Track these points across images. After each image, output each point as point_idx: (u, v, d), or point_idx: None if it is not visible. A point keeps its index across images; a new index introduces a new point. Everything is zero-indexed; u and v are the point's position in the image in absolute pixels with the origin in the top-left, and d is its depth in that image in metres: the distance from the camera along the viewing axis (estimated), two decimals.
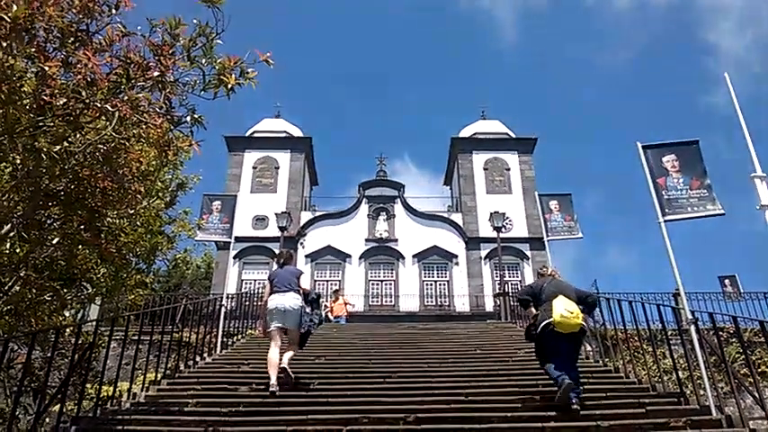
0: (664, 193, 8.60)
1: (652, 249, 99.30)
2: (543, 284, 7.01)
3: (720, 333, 7.63)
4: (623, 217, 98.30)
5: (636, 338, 9.22)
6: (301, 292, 7.70)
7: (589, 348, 10.45)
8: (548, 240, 13.18)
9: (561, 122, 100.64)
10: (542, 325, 6.57)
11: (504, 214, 25.56)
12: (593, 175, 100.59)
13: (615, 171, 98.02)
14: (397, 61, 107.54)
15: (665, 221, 8.35)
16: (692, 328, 7.37)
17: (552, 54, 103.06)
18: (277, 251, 26.08)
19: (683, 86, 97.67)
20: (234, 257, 29.19)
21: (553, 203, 13.34)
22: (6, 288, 6.19)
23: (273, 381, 7.03)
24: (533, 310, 6.92)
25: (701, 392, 6.87)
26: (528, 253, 30.94)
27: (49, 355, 7.37)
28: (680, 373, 7.47)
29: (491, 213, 25.18)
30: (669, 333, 8.49)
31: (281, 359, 7.24)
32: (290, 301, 7.50)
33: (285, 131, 36.07)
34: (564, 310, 6.42)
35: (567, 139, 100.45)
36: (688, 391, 7.16)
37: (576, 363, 6.72)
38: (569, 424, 6.07)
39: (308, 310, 7.67)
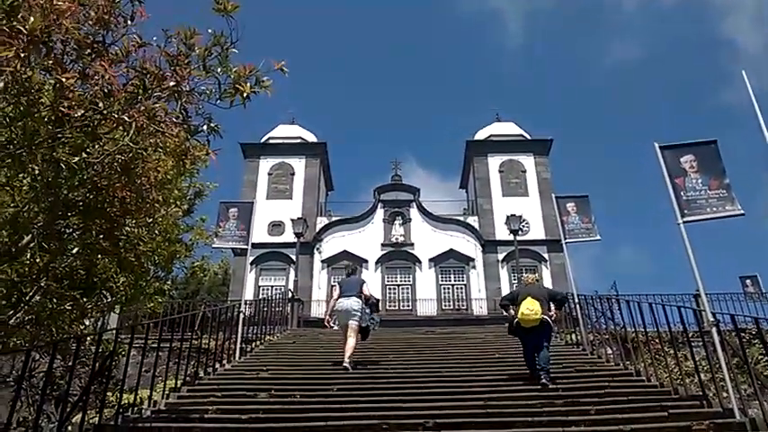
0: (682, 193, 8.50)
1: (671, 250, 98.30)
2: (520, 291, 8.74)
3: (742, 334, 7.50)
4: (641, 217, 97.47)
5: (657, 341, 9.11)
6: (363, 297, 9.61)
7: (609, 351, 10.35)
8: (565, 243, 13.07)
9: (576, 122, 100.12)
10: (514, 321, 8.32)
11: (520, 217, 25.43)
12: (609, 175, 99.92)
13: (632, 171, 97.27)
14: (406, 64, 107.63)
15: (685, 223, 8.25)
16: (714, 329, 7.27)
17: (563, 52, 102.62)
18: (294, 257, 26.30)
19: (700, 83, 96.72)
20: (251, 264, 29.28)
21: (570, 205, 13.22)
22: (27, 298, 6.24)
23: (346, 361, 9.04)
24: (512, 311, 8.47)
25: (724, 395, 6.76)
26: (546, 255, 30.77)
27: (70, 363, 7.43)
28: (702, 375, 7.37)
29: (507, 216, 25.07)
30: (690, 335, 8.38)
31: (344, 349, 9.22)
32: (353, 303, 9.47)
33: (300, 137, 36.20)
34: (526, 308, 8.08)
35: (584, 140, 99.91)
36: (711, 394, 7.07)
37: (544, 347, 8.03)
38: (591, 429, 6.02)
39: (368, 311, 9.57)
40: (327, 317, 9.97)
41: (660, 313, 8.42)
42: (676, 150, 8.82)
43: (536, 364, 7.99)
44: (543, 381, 7.66)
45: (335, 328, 9.91)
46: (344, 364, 9.00)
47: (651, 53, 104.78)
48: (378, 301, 10.24)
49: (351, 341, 9.26)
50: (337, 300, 9.69)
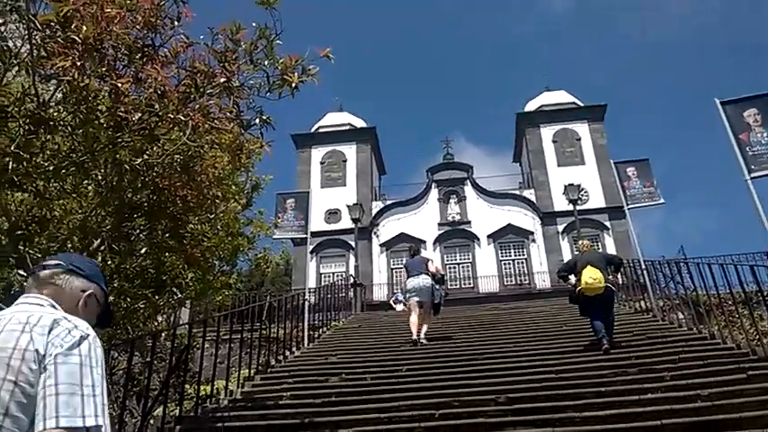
0: (747, 149, 8.19)
1: (741, 209, 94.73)
2: (578, 259, 8.68)
3: None
4: (707, 178, 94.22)
5: (730, 302, 8.82)
6: (430, 273, 10.03)
7: (681, 316, 10.09)
8: (628, 209, 12.73)
9: (631, 85, 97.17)
10: (577, 291, 8.25)
11: (578, 186, 24.85)
12: (668, 137, 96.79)
13: (695, 130, 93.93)
14: (449, 39, 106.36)
15: (752, 179, 7.94)
16: None
17: (616, 12, 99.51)
18: (352, 243, 26.52)
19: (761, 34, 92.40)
20: (311, 252, 29.66)
21: (630, 170, 12.84)
22: None
23: (415, 336, 9.50)
24: (572, 280, 8.46)
25: None
26: (607, 224, 30.10)
27: (148, 359, 7.71)
28: None
29: (565, 186, 24.57)
30: (766, 294, 8.07)
31: (419, 327, 9.63)
32: (422, 281, 9.92)
33: (349, 124, 36.31)
34: (588, 278, 8.04)
35: (638, 104, 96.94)
36: None
37: (609, 314, 8.18)
38: (667, 395, 5.89)
39: (437, 287, 9.96)
40: (393, 299, 10.57)
41: (732, 273, 8.15)
42: (738, 105, 8.50)
43: (602, 333, 7.93)
44: (606, 346, 7.73)
45: (399, 309, 10.89)
46: (421, 340, 9.47)
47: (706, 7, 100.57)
48: (443, 275, 10.75)
49: (423, 318, 9.76)
50: (407, 280, 10.23)
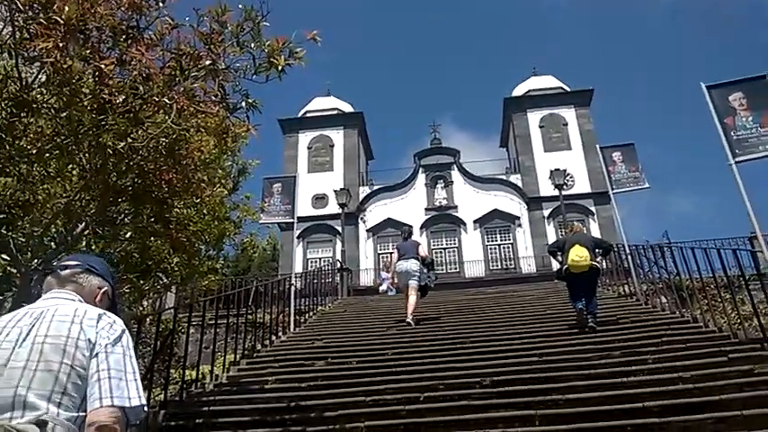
0: (732, 133, 8.25)
1: (727, 193, 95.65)
2: (567, 238, 9.08)
3: None
4: (693, 162, 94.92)
5: (712, 287, 8.92)
6: (419, 257, 10.37)
7: (664, 300, 10.20)
8: (613, 193, 12.82)
9: (616, 70, 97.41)
10: (564, 269, 8.54)
11: (564, 171, 24.96)
12: (655, 122, 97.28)
13: (678, 116, 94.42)
14: (436, 23, 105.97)
15: (737, 163, 8.01)
16: None
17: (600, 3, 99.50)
18: (339, 228, 26.50)
19: (747, 18, 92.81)
20: (297, 237, 29.62)
21: (616, 155, 12.92)
22: None
23: (409, 317, 9.79)
24: (560, 258, 8.81)
25: None
26: (592, 209, 30.30)
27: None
28: (761, 318, 7.19)
29: (551, 171, 24.67)
30: (747, 278, 8.17)
31: (406, 307, 10.00)
32: (412, 264, 10.23)
33: (337, 108, 36.15)
34: (575, 255, 8.35)
35: (625, 89, 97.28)
36: None
37: (593, 294, 8.50)
38: (649, 378, 5.97)
39: (425, 270, 10.29)
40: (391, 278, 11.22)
41: (715, 258, 8.23)
42: (724, 89, 8.54)
43: (583, 310, 8.33)
44: (591, 324, 8.10)
45: (383, 289, 11.74)
46: (408, 321, 9.75)
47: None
48: (433, 260, 11.21)
49: (412, 299, 10.02)
50: (397, 263, 10.58)
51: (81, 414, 1.71)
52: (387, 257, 14.81)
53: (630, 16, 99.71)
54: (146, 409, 1.85)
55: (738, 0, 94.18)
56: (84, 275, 2.10)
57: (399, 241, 11.55)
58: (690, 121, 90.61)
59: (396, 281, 10.82)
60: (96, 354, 1.78)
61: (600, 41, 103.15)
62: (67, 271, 2.08)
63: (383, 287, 19.65)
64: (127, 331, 1.91)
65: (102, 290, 2.12)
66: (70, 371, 1.73)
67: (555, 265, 9.30)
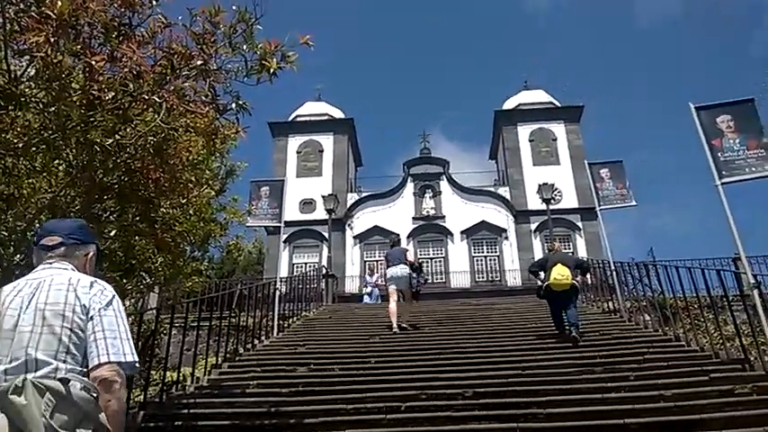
0: (719, 154, 8.30)
1: (712, 213, 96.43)
2: (549, 257, 9.44)
3: None
4: (680, 181, 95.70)
5: (696, 306, 8.97)
6: (408, 263, 10.59)
7: (647, 318, 10.24)
8: (600, 210, 12.87)
9: (607, 86, 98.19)
10: (545, 286, 8.90)
11: (552, 185, 25.06)
12: (644, 137, 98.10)
13: (668, 132, 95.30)
14: (429, 34, 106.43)
15: (723, 184, 8.06)
16: (755, 292, 7.14)
17: (591, 11, 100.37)
18: (326, 233, 26.43)
19: (737, 39, 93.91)
20: (284, 242, 29.50)
21: (604, 171, 12.98)
22: None
23: (394, 325, 10.00)
24: (542, 276, 9.13)
25: (766, 358, 6.66)
26: (579, 224, 30.45)
27: None
28: (743, 339, 7.24)
29: (539, 185, 24.74)
30: (731, 299, 8.22)
31: (399, 313, 10.19)
32: (400, 270, 10.46)
33: (327, 114, 36.14)
34: (557, 274, 8.71)
35: (616, 103, 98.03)
36: (752, 358, 6.95)
37: (573, 309, 8.78)
38: (631, 394, 5.98)
39: (414, 275, 10.50)
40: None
41: (699, 277, 8.28)
42: (712, 111, 8.61)
43: (565, 322, 8.80)
44: (573, 335, 8.36)
45: (369, 297, 12.23)
46: (402, 325, 10.15)
47: (685, 10, 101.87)
48: (421, 264, 11.90)
49: (404, 306, 10.48)
50: (387, 269, 10.86)
51: (83, 369, 2.02)
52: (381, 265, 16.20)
53: (623, 22, 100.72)
54: (137, 364, 2.15)
55: (738, 1, 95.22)
56: (72, 248, 2.33)
57: (387, 249, 11.73)
58: (679, 139, 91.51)
59: (385, 282, 11.03)
60: (91, 317, 2.07)
61: (594, 47, 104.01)
62: (53, 244, 2.31)
63: (367, 294, 19.57)
64: (116, 296, 2.20)
65: (89, 255, 2.39)
66: (70, 333, 2.03)
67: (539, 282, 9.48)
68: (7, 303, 2.08)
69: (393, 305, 10.26)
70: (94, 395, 1.97)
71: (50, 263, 2.26)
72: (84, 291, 2.12)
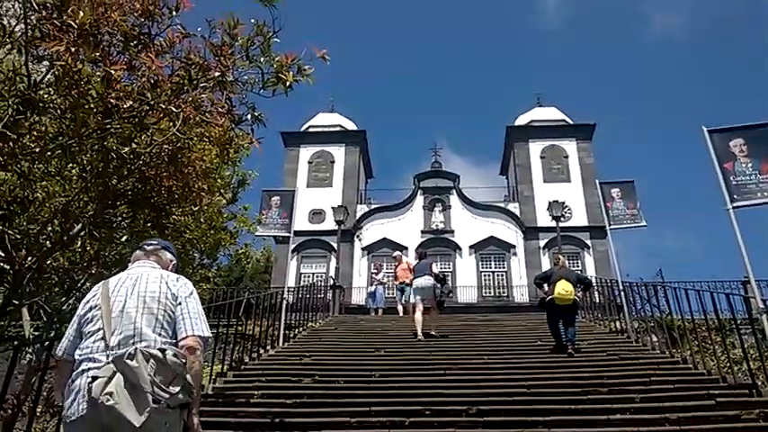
0: (732, 178, 8.29)
1: (721, 236, 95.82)
2: (554, 271, 9.81)
3: None
4: (691, 203, 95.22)
5: (704, 329, 8.90)
6: (433, 274, 11.14)
7: (654, 339, 10.18)
8: (610, 229, 12.84)
9: (620, 106, 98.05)
10: (548, 299, 9.32)
11: (563, 203, 25.00)
12: (655, 159, 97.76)
13: (680, 154, 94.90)
14: (442, 49, 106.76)
15: (734, 208, 8.05)
16: (764, 317, 7.11)
17: (606, 31, 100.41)
18: (334, 244, 26.46)
19: (749, 61, 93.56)
20: (292, 251, 29.53)
21: (615, 191, 12.97)
22: (79, 285, 6.44)
23: (419, 333, 10.58)
24: (545, 288, 9.52)
25: None
26: (588, 242, 30.33)
27: None
28: (751, 363, 7.18)
29: (549, 202, 24.68)
30: (739, 322, 8.16)
31: (426, 324, 10.77)
32: (425, 281, 11.02)
33: (339, 125, 36.27)
34: (562, 289, 9.09)
35: (628, 123, 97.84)
36: (760, 383, 6.90)
37: (573, 323, 9.26)
38: (635, 417, 5.94)
39: (438, 285, 11.03)
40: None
41: (708, 300, 8.23)
42: (725, 134, 8.61)
43: (564, 338, 9.19)
44: (570, 350, 8.79)
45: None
46: (432, 333, 10.78)
47: (695, 29, 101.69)
48: (445, 276, 12.27)
49: (434, 319, 11.09)
50: (414, 279, 11.40)
51: (173, 340, 2.68)
52: (397, 257, 18.17)
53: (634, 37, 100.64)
54: (210, 340, 2.87)
55: (738, 1, 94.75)
56: (163, 252, 3.15)
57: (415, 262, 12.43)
58: (689, 162, 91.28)
59: (413, 297, 11.35)
60: (179, 303, 2.79)
61: (606, 75, 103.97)
62: (151, 248, 3.13)
63: (370, 296, 19.29)
64: (194, 288, 2.97)
65: (173, 262, 3.21)
66: (164, 314, 2.72)
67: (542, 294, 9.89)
68: (116, 292, 2.77)
69: (419, 314, 10.76)
70: (183, 360, 2.56)
71: (143, 263, 3.01)
72: (173, 283, 2.86)
